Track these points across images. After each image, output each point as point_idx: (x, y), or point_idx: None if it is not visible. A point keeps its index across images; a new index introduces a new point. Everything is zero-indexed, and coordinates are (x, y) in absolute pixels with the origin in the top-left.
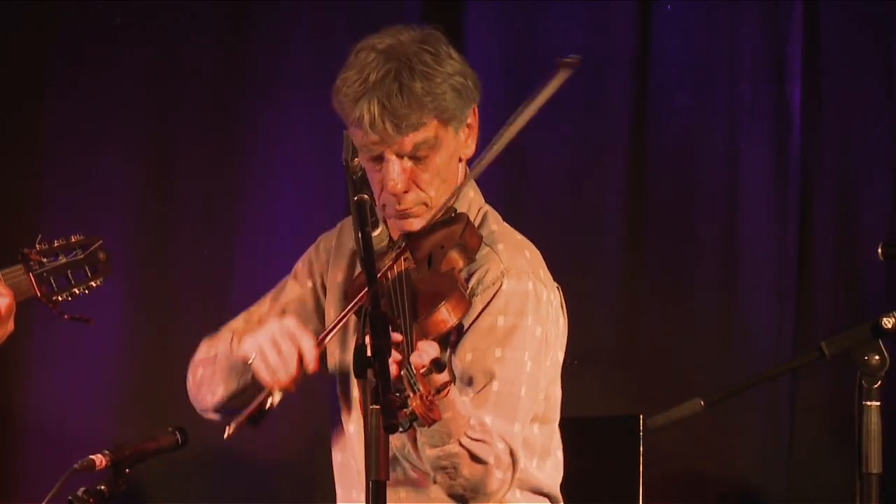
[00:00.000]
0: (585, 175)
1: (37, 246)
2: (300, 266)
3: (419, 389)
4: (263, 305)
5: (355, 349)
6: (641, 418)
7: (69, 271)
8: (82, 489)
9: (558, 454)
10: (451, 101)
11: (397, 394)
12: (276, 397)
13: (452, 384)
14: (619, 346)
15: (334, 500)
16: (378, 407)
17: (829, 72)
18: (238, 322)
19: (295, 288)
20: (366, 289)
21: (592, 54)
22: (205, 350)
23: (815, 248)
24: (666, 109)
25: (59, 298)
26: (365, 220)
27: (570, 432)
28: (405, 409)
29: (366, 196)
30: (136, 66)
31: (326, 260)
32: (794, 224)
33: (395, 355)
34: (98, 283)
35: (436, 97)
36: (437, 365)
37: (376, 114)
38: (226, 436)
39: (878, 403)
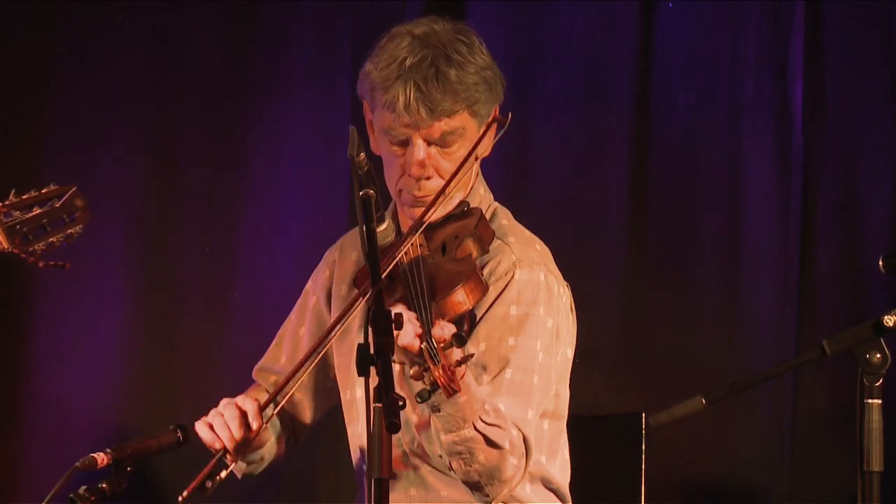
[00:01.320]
0: (588, 173)
1: (10, 199)
2: (309, 283)
3: (440, 360)
4: (283, 327)
5: (358, 347)
6: (643, 416)
7: (45, 221)
8: (84, 487)
9: (565, 453)
10: (482, 94)
11: (417, 366)
12: (228, 468)
13: (471, 359)
14: (621, 343)
15: (336, 489)
16: (381, 405)
17: (832, 70)
18: (264, 359)
19: (303, 306)
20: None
21: (595, 52)
22: None
23: (817, 246)
24: (668, 107)
25: (36, 249)
26: (370, 216)
27: (572, 430)
28: (425, 380)
29: (371, 191)
30: (140, 65)
31: (330, 275)
32: (796, 222)
33: (416, 328)
34: (77, 230)
35: (468, 87)
36: (458, 338)
37: (412, 97)
38: (179, 499)
39: (880, 401)
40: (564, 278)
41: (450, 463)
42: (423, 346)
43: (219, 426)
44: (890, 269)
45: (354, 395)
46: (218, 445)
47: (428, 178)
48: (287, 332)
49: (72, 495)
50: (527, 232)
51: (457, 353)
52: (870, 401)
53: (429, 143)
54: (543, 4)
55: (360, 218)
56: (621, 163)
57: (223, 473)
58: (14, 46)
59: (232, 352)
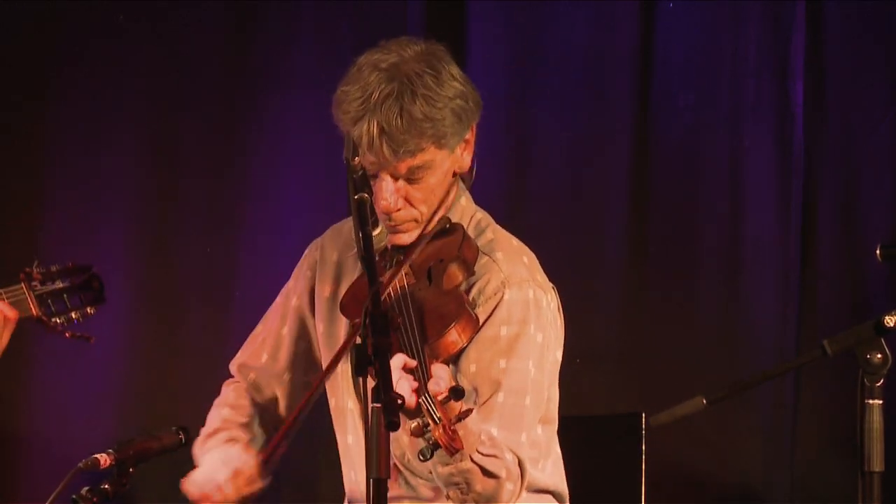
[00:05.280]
0: (588, 173)
1: (36, 268)
2: (290, 282)
3: (440, 419)
4: (263, 328)
5: (355, 348)
6: (643, 416)
7: (65, 296)
8: (86, 488)
9: (557, 452)
10: (449, 127)
11: (417, 422)
12: None
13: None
14: (621, 344)
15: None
16: (379, 406)
17: (832, 70)
18: (243, 355)
19: (285, 305)
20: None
21: (595, 52)
22: (202, 439)
23: (818, 245)
24: (669, 107)
25: (58, 321)
26: (365, 220)
27: (571, 431)
28: (427, 438)
29: (366, 195)
30: (140, 66)
31: (312, 276)
32: (797, 222)
33: (412, 383)
34: (93, 310)
35: (435, 123)
36: (456, 392)
37: (375, 136)
38: None
39: (881, 402)
40: (564, 279)
41: (447, 492)
42: (420, 401)
43: (211, 490)
44: (887, 258)
45: (345, 403)
46: None
47: (398, 210)
48: (270, 332)
49: (74, 496)
50: (514, 242)
51: (455, 408)
52: (870, 401)
53: (396, 178)
54: (543, 4)
55: (355, 222)
56: (621, 163)
57: None
58: (14, 46)
59: (233, 352)
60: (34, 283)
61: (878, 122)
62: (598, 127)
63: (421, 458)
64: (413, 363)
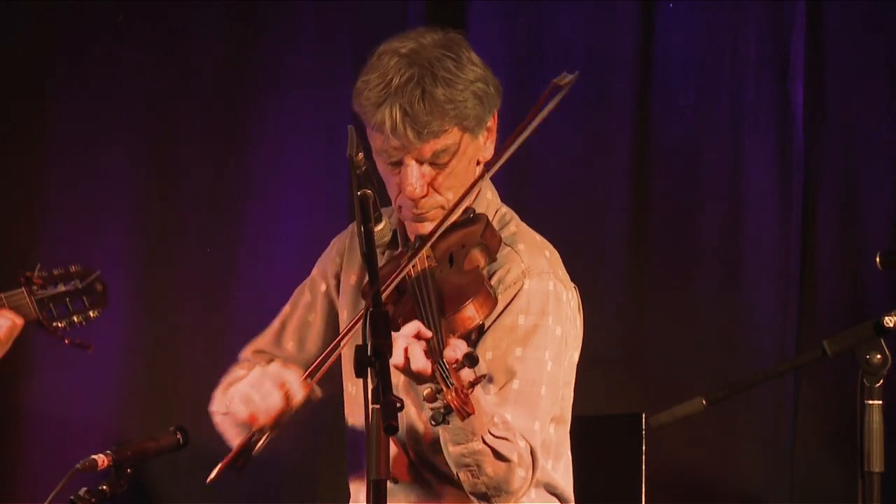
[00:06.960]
0: (589, 173)
1: (38, 272)
2: (315, 270)
3: (453, 383)
4: (285, 314)
5: (356, 348)
6: (644, 416)
7: (68, 299)
8: (84, 489)
9: (568, 455)
10: (472, 109)
11: (430, 387)
12: (263, 440)
13: (486, 378)
14: (621, 344)
15: (337, 490)
16: (378, 406)
17: (832, 70)
18: (262, 339)
19: (312, 292)
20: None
21: (596, 53)
22: (220, 395)
23: (818, 246)
24: (669, 107)
25: (59, 325)
26: (368, 216)
27: (572, 431)
28: (438, 403)
29: (369, 191)
30: (140, 65)
31: (340, 262)
32: (797, 222)
33: (425, 349)
34: (96, 314)
35: (457, 104)
36: (470, 359)
37: (398, 120)
38: (208, 480)
39: (881, 402)
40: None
41: (457, 474)
42: (434, 367)
43: (257, 402)
44: (887, 266)
45: (360, 391)
46: (260, 422)
47: (424, 197)
48: (293, 320)
49: (72, 497)
50: (537, 237)
51: (469, 375)
52: (870, 402)
53: (421, 163)
54: (543, 4)
55: (358, 218)
56: (621, 163)
57: (255, 448)
58: (14, 47)
59: (232, 352)
60: (34, 287)
61: (877, 121)
62: (599, 127)
63: (433, 422)
64: (428, 333)
